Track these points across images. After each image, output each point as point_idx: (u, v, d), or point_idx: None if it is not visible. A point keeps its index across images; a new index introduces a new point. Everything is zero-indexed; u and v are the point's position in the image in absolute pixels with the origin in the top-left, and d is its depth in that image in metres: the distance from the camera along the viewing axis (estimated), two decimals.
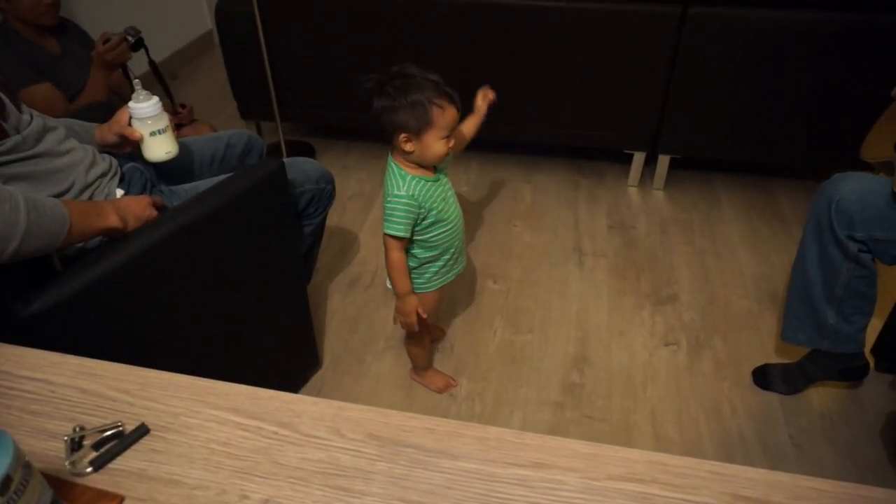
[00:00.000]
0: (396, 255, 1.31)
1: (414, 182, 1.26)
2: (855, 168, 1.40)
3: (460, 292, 1.90)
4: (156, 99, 1.23)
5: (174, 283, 1.12)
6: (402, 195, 1.25)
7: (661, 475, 0.57)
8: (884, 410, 1.54)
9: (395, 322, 1.35)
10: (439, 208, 1.31)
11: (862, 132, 1.49)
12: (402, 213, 1.25)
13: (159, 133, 1.25)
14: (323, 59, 2.27)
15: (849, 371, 1.50)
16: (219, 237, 1.19)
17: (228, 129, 1.66)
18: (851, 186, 1.30)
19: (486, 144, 2.54)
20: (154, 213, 1.14)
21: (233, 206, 1.19)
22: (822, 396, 1.59)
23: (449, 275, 1.43)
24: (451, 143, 1.23)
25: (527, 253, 2.05)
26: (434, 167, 1.31)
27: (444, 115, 1.18)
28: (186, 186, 1.34)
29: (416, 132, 1.20)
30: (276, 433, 0.62)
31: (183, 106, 2.35)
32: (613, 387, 1.62)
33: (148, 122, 1.23)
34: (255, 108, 2.45)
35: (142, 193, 1.28)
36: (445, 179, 1.34)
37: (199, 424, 0.63)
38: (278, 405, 0.65)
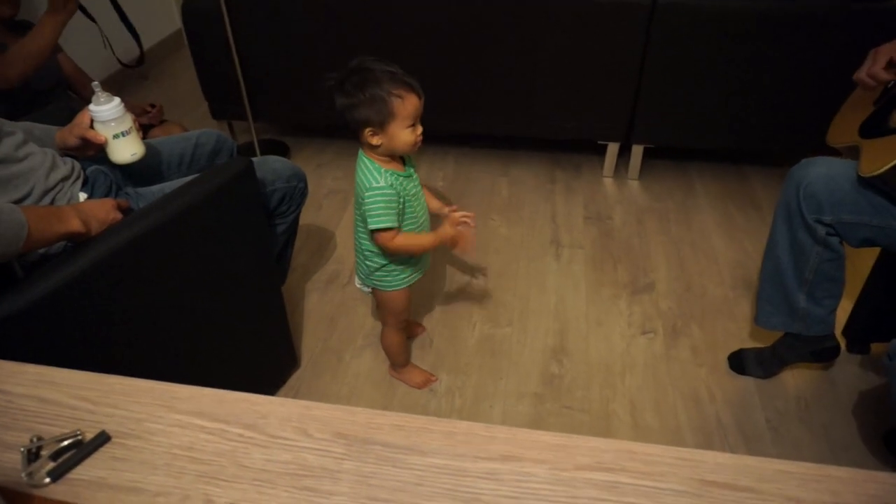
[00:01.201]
0: (394, 244, 1.30)
1: (388, 174, 1.26)
2: (825, 153, 1.42)
3: (438, 287, 1.90)
4: (117, 100, 1.20)
5: (141, 286, 1.10)
6: (381, 186, 1.24)
7: (629, 463, 0.57)
8: (856, 390, 1.57)
9: (453, 246, 1.35)
10: (412, 204, 1.30)
11: (831, 117, 1.51)
12: (384, 204, 1.24)
13: (123, 135, 1.22)
14: (294, 56, 2.24)
15: (821, 352, 1.52)
16: (186, 239, 1.17)
17: (199, 129, 1.64)
18: (818, 171, 1.31)
19: (462, 139, 2.53)
20: (118, 216, 1.11)
21: (200, 207, 1.17)
22: (796, 378, 1.61)
23: (416, 274, 1.43)
24: (420, 131, 1.23)
25: (504, 246, 2.05)
26: (403, 162, 1.30)
27: (405, 104, 1.17)
28: (154, 188, 1.32)
29: (380, 125, 1.19)
30: (241, 435, 0.61)
31: (153, 106, 2.31)
32: (592, 377, 1.63)
33: (111, 124, 1.20)
34: (226, 108, 2.41)
35: (107, 196, 1.25)
36: (416, 176, 1.33)
37: (161, 430, 0.62)
38: (244, 407, 0.64)
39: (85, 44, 2.17)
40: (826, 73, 1.96)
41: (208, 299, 1.27)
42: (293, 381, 1.65)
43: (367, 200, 1.25)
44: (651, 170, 2.38)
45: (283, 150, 2.52)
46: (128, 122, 1.22)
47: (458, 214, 1.32)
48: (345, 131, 1.26)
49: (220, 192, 1.21)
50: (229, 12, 2.09)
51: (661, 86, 2.09)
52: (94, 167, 1.29)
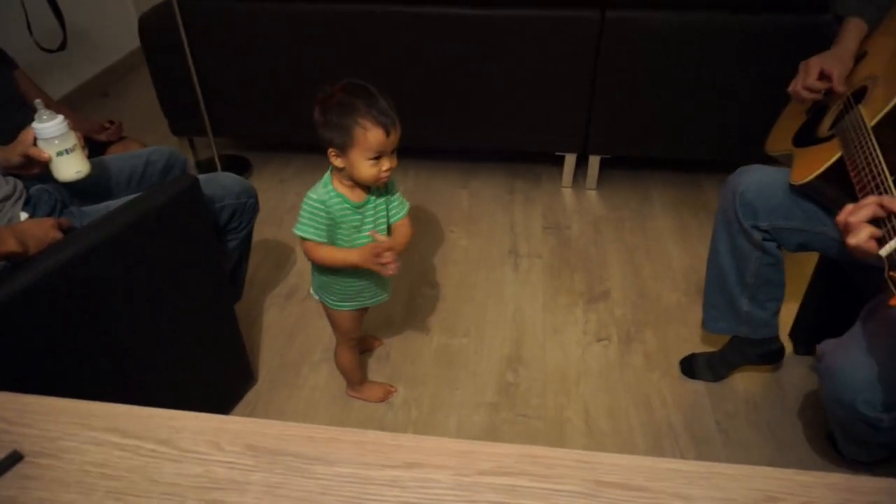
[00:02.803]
0: (314, 256, 1.30)
1: (331, 195, 1.27)
2: (772, 162, 1.46)
3: (397, 301, 1.91)
4: (60, 118, 1.21)
5: (84, 305, 1.10)
6: (312, 197, 1.27)
7: (530, 467, 0.59)
8: (802, 391, 1.61)
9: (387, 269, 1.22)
10: (346, 234, 1.30)
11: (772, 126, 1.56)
12: (309, 214, 1.26)
13: (67, 152, 1.23)
14: (254, 71, 2.26)
15: (766, 355, 1.56)
16: (129, 257, 1.17)
17: (160, 146, 1.65)
18: (753, 178, 1.35)
19: (422, 153, 2.56)
20: (58, 234, 1.11)
21: (143, 224, 1.17)
22: (746, 381, 1.65)
23: (356, 303, 1.43)
24: (386, 167, 1.22)
25: (463, 258, 2.07)
26: (368, 191, 1.30)
27: (367, 136, 1.17)
28: (99, 206, 1.32)
29: (342, 149, 1.21)
30: (153, 451, 0.62)
31: (111, 122, 2.30)
32: (548, 385, 1.65)
33: (54, 141, 1.21)
34: (186, 124, 2.42)
35: (50, 215, 1.25)
36: (371, 214, 1.31)
37: (75, 447, 0.63)
38: (159, 422, 0.64)
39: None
40: (770, 84, 2.02)
41: (156, 317, 1.27)
42: (250, 396, 1.64)
43: (302, 205, 1.27)
44: (609, 179, 2.43)
45: (245, 166, 2.53)
46: (72, 139, 1.23)
47: (383, 252, 1.22)
48: (307, 147, 1.27)
49: (164, 209, 1.21)
50: (186, 28, 2.10)
51: (613, 98, 2.14)
52: (38, 186, 1.28)
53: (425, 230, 2.20)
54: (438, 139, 2.35)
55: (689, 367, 1.66)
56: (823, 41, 1.40)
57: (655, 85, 2.09)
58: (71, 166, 1.24)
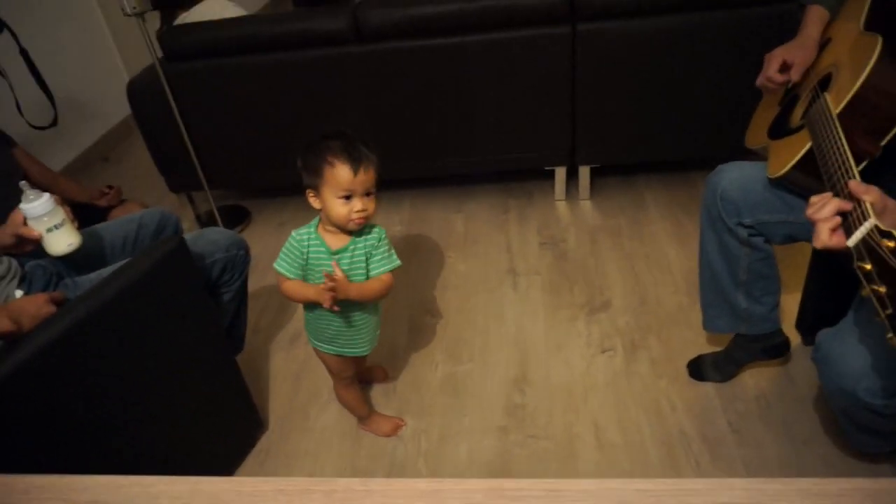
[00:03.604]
0: (282, 288, 1.35)
1: (311, 237, 1.30)
2: (751, 155, 1.45)
3: (399, 332, 1.92)
4: (47, 196, 1.25)
5: (80, 377, 1.13)
6: (293, 235, 1.32)
7: (497, 501, 0.59)
8: (814, 382, 1.58)
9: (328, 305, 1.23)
10: (319, 279, 1.29)
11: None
12: (285, 250, 1.32)
13: (56, 228, 1.27)
14: (241, 122, 2.31)
15: (771, 349, 1.54)
16: (123, 323, 1.20)
17: (160, 205, 1.69)
18: (732, 176, 1.35)
19: (416, 182, 2.59)
20: (52, 309, 1.15)
21: (132, 290, 1.20)
22: (755, 378, 1.62)
23: (333, 347, 1.44)
24: (358, 208, 1.22)
25: (462, 282, 2.08)
26: (349, 238, 1.31)
27: (335, 172, 1.20)
28: (92, 276, 1.36)
29: (315, 188, 1.24)
30: None
31: (110, 187, 2.37)
32: (555, 402, 1.64)
33: (43, 219, 1.25)
34: (182, 180, 2.47)
35: (45, 289, 1.29)
36: (347, 262, 1.31)
37: None
38: (138, 490, 0.66)
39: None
40: (747, 76, 2.02)
41: (155, 380, 1.29)
42: (262, 443, 1.66)
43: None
44: (602, 188, 2.43)
45: (244, 214, 2.57)
46: (60, 215, 1.27)
47: (328, 286, 1.22)
48: (301, 188, 1.30)
49: (152, 273, 1.24)
50: (172, 88, 2.16)
51: (594, 107, 2.15)
52: (32, 262, 1.33)
53: (423, 258, 2.22)
54: (430, 168, 2.37)
55: (697, 369, 1.65)
56: (794, 29, 1.40)
57: (634, 90, 2.10)
58: (62, 241, 1.28)
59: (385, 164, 2.46)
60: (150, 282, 1.24)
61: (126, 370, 1.22)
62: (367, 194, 1.24)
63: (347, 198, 1.22)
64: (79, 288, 1.31)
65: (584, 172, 2.33)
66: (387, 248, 1.35)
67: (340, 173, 1.21)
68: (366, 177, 1.22)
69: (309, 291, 1.32)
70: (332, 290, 1.22)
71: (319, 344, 1.45)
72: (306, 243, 1.31)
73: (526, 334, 1.85)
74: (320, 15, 2.13)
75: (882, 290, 0.69)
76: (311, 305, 1.39)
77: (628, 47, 2.02)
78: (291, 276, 1.32)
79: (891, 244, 0.71)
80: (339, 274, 1.26)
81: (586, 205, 2.37)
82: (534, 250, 2.18)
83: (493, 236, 2.27)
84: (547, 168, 2.35)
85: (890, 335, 0.68)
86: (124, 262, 1.32)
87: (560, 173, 2.35)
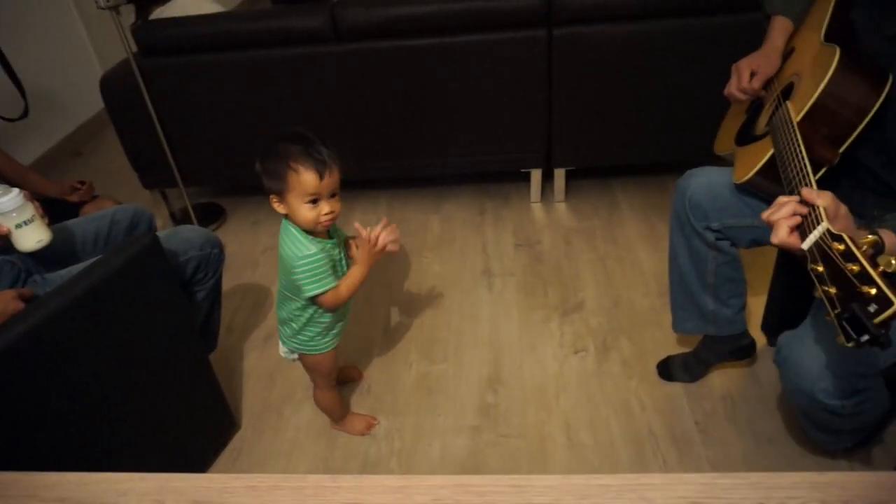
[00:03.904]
0: (341, 299, 1.31)
1: (317, 241, 1.28)
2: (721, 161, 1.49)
3: (375, 331, 1.93)
4: (16, 191, 1.24)
5: (51, 374, 1.12)
6: (312, 252, 1.25)
7: (463, 496, 0.60)
8: (779, 383, 1.62)
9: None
10: (340, 273, 1.33)
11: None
12: (310, 270, 1.25)
13: (25, 224, 1.25)
14: (217, 119, 2.29)
15: (737, 351, 1.58)
16: (93, 321, 1.19)
17: (134, 202, 1.67)
18: (700, 181, 1.39)
19: (393, 183, 2.59)
20: (19, 305, 1.13)
21: (104, 287, 1.19)
22: (722, 378, 1.66)
23: (338, 333, 1.46)
24: (326, 210, 1.22)
25: (438, 283, 2.10)
26: (328, 234, 1.32)
27: (299, 178, 1.19)
28: (62, 272, 1.34)
29: (280, 195, 1.23)
30: None
31: (82, 183, 2.33)
32: (528, 402, 1.66)
33: (12, 214, 1.24)
34: (155, 178, 2.45)
35: (14, 286, 1.27)
36: (338, 251, 1.34)
37: None
38: (105, 487, 0.66)
39: None
40: (718, 82, 2.07)
41: (127, 378, 1.28)
42: (235, 442, 1.65)
43: (298, 269, 1.25)
44: (577, 190, 2.46)
45: (219, 212, 2.55)
46: (29, 210, 1.25)
47: (375, 238, 1.28)
48: (266, 194, 1.28)
49: (124, 270, 1.23)
50: (146, 82, 2.14)
51: (570, 111, 2.18)
52: (0, 258, 1.30)
53: (400, 258, 2.23)
54: (407, 168, 2.38)
55: (666, 369, 1.68)
56: (763, 38, 1.45)
57: (609, 95, 2.13)
58: (31, 237, 1.26)
59: (362, 164, 2.47)
60: (122, 279, 1.23)
61: (96, 368, 1.20)
62: (333, 195, 1.24)
63: (314, 202, 1.22)
64: (48, 285, 1.30)
65: (560, 175, 2.36)
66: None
67: (306, 179, 1.19)
68: (331, 179, 1.21)
69: (360, 271, 1.30)
70: (384, 235, 1.26)
71: (328, 343, 1.44)
72: (322, 249, 1.28)
73: (500, 334, 1.87)
74: (298, 13, 2.12)
75: (832, 291, 0.72)
76: (335, 311, 1.37)
77: (603, 52, 2.06)
78: (335, 283, 1.29)
79: (841, 247, 0.74)
80: (373, 230, 1.28)
81: (561, 207, 2.40)
82: (509, 251, 2.20)
83: (469, 237, 2.29)
84: (523, 170, 2.38)
85: (839, 335, 0.71)
86: (95, 258, 1.30)
87: (536, 175, 2.38)
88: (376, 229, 1.30)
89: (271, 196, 1.25)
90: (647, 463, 1.48)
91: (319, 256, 1.26)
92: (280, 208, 1.26)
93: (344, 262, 1.38)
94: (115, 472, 0.67)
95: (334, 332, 1.45)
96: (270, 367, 1.85)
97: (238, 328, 2.00)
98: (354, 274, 1.32)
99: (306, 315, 1.37)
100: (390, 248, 1.30)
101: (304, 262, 1.25)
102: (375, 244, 1.28)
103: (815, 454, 1.45)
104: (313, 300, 1.31)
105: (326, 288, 1.28)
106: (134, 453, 1.32)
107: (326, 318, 1.40)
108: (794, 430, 1.51)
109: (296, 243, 1.26)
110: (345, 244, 1.39)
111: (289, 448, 1.62)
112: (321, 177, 1.19)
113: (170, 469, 0.67)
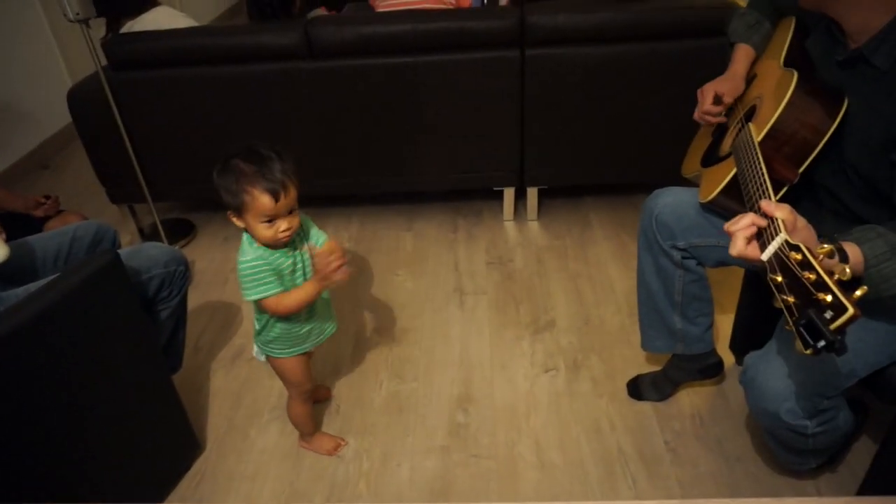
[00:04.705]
0: (283, 308, 1.29)
1: (256, 249, 1.27)
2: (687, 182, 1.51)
3: (344, 349, 1.90)
4: None
5: (5, 395, 1.07)
6: (248, 259, 1.26)
7: None
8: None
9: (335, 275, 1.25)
10: (289, 281, 1.31)
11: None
12: (251, 275, 1.26)
13: None
14: (187, 135, 2.27)
15: (705, 370, 1.59)
16: (50, 340, 1.15)
17: (101, 217, 1.63)
18: (667, 200, 1.40)
19: (365, 200, 2.59)
20: None
21: (61, 306, 1.15)
22: (691, 397, 1.67)
23: (307, 344, 1.44)
24: (283, 228, 1.22)
25: (409, 300, 2.08)
26: (292, 245, 1.31)
27: (255, 203, 1.18)
28: (19, 290, 1.30)
29: (237, 212, 1.23)
30: None
31: (47, 197, 2.28)
32: (498, 422, 1.65)
33: None
34: (123, 192, 2.41)
35: None
36: (299, 254, 1.33)
37: None
38: None
39: None
40: (687, 105, 2.11)
41: (86, 399, 1.24)
42: (199, 465, 1.61)
43: (239, 272, 1.27)
44: (549, 209, 2.48)
45: (189, 228, 2.52)
46: None
47: (329, 260, 1.24)
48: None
49: (83, 288, 1.20)
50: (116, 95, 2.11)
51: (542, 130, 2.20)
52: None
53: (372, 275, 2.21)
54: (380, 185, 2.38)
55: (636, 388, 1.68)
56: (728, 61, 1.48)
57: (581, 115, 2.16)
58: None
59: (335, 181, 2.46)
60: (81, 298, 1.19)
61: (53, 389, 1.16)
62: (291, 212, 1.23)
63: (270, 221, 1.21)
64: (3, 303, 1.25)
65: (532, 193, 2.38)
66: (311, 222, 1.39)
67: (261, 202, 1.18)
68: (287, 200, 1.20)
69: (309, 288, 1.29)
70: (336, 259, 1.24)
71: (293, 350, 1.42)
72: (264, 255, 1.27)
73: (471, 353, 1.86)
74: (271, 29, 2.12)
75: (791, 299, 0.73)
76: (284, 318, 1.35)
77: (575, 73, 2.08)
78: (278, 290, 1.28)
79: (798, 257, 0.75)
80: (325, 247, 1.29)
81: (534, 225, 2.41)
82: (481, 270, 2.20)
83: (441, 255, 2.28)
84: (496, 188, 2.39)
85: (796, 341, 0.71)
86: (54, 276, 1.27)
87: (509, 194, 2.39)
88: (333, 256, 1.25)
89: (229, 211, 1.25)
90: (617, 483, 1.48)
91: (256, 263, 1.26)
92: (238, 223, 1.26)
93: (306, 271, 1.36)
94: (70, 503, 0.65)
95: (299, 340, 1.42)
96: (237, 388, 1.82)
97: (206, 346, 1.96)
98: (304, 287, 1.31)
99: (265, 317, 1.37)
100: (337, 276, 1.26)
101: (241, 266, 1.26)
102: (327, 267, 1.25)
103: (783, 474, 1.45)
104: (258, 304, 1.31)
105: (264, 294, 1.27)
106: (92, 479, 1.27)
107: (284, 324, 1.37)
108: (762, 450, 1.52)
109: (242, 247, 1.28)
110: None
111: (254, 470, 1.58)
112: (276, 199, 1.18)
113: (129, 495, 0.64)
